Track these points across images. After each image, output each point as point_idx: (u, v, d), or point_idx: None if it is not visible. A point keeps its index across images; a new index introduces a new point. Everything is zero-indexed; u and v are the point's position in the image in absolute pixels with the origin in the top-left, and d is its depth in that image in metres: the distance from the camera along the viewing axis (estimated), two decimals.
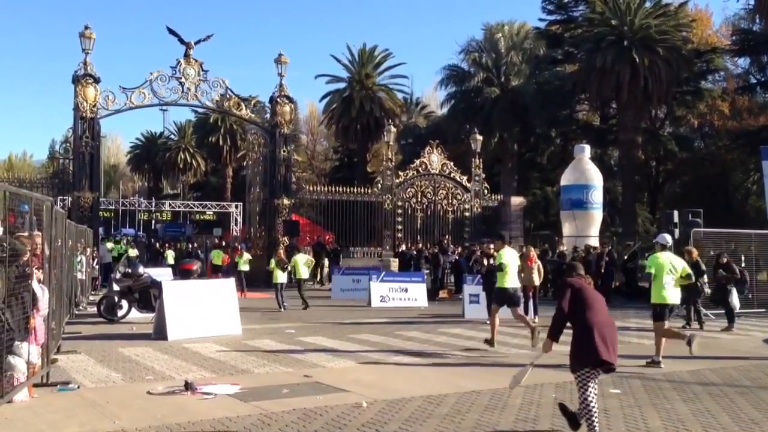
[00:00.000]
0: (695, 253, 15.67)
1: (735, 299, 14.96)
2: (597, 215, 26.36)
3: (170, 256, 30.54)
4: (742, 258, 17.12)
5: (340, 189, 29.08)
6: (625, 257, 23.78)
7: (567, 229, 26.74)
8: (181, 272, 17.38)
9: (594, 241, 24.91)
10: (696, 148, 42.02)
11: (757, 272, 18.78)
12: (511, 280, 11.51)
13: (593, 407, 5.96)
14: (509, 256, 11.66)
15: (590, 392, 5.96)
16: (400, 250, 27.35)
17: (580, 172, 26.57)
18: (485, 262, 16.11)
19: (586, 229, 25.72)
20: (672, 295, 9.95)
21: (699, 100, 38.73)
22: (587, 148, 27.76)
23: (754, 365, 10.08)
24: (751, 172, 37.92)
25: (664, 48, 32.75)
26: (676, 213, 18.62)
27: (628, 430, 6.46)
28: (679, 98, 38.40)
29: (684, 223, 18.24)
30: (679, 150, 40.05)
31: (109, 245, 29.11)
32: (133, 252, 28.37)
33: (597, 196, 26.16)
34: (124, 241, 34.35)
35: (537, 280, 16.08)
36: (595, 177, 26.35)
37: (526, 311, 15.50)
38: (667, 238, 10.67)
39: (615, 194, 37.15)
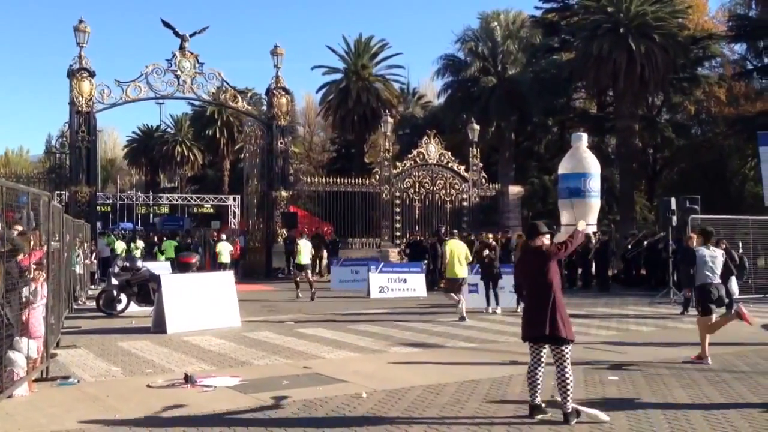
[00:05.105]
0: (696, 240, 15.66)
1: (734, 285, 14.97)
2: (595, 204, 26.23)
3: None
4: (740, 244, 17.14)
5: (338, 180, 29.04)
6: (629, 246, 23.78)
7: (565, 217, 26.65)
8: (180, 265, 17.41)
9: (592, 230, 24.89)
10: (693, 135, 41.95)
11: (756, 258, 18.82)
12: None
13: (529, 375, 6.44)
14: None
15: (530, 361, 6.46)
16: (412, 240, 26.64)
17: (577, 160, 26.41)
18: (485, 252, 16.16)
19: (584, 217, 25.58)
20: None
21: (696, 86, 38.61)
22: (584, 136, 27.39)
23: (753, 351, 10.11)
24: (749, 158, 37.89)
25: (660, 35, 32.63)
26: (673, 200, 18.60)
27: (627, 417, 6.49)
28: (676, 85, 38.27)
29: (682, 210, 18.22)
30: (676, 137, 39.97)
31: (116, 242, 28.30)
32: (140, 244, 28.01)
33: (595, 185, 26.04)
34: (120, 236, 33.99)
35: None
36: (593, 165, 26.16)
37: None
38: None
39: (613, 182, 37.11)
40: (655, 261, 22.27)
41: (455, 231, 16.92)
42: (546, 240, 6.69)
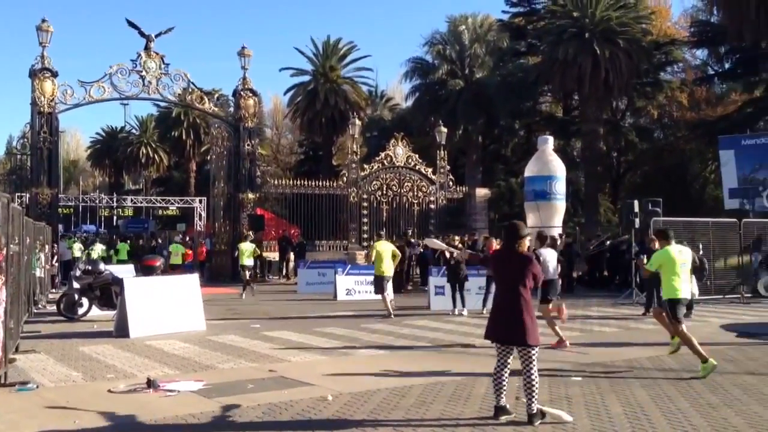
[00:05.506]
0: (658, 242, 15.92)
1: (694, 287, 15.26)
2: (560, 206, 26.64)
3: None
4: (700, 246, 17.47)
5: (305, 182, 28.90)
6: (591, 247, 24.14)
7: (531, 219, 26.98)
8: (144, 268, 17.17)
9: (558, 232, 25.24)
10: (655, 139, 42.76)
11: (715, 260, 19.20)
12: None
13: (495, 377, 6.48)
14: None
15: (497, 363, 6.49)
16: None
17: (543, 163, 26.80)
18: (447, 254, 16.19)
19: (550, 219, 25.97)
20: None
21: (658, 91, 39.37)
22: (550, 139, 27.98)
23: (712, 351, 10.27)
24: (709, 161, 38.74)
25: (625, 40, 33.21)
26: (636, 203, 18.90)
27: (590, 417, 6.57)
28: (639, 90, 38.96)
29: (644, 213, 18.54)
30: (639, 141, 40.70)
31: (76, 246, 27.67)
32: (99, 247, 27.48)
33: (560, 187, 26.42)
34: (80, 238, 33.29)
35: None
36: (558, 168, 26.60)
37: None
38: None
39: (578, 185, 37.61)
40: (618, 263, 22.64)
41: (381, 233, 17.74)
42: (528, 243, 6.78)
